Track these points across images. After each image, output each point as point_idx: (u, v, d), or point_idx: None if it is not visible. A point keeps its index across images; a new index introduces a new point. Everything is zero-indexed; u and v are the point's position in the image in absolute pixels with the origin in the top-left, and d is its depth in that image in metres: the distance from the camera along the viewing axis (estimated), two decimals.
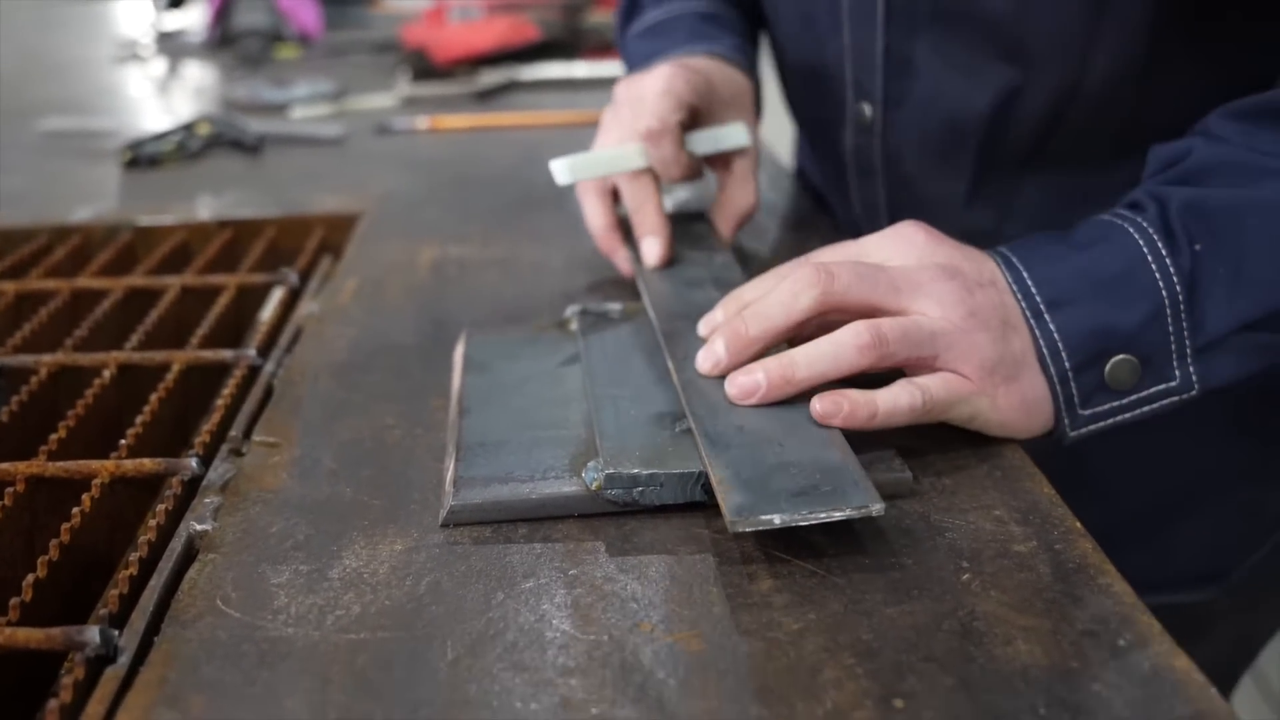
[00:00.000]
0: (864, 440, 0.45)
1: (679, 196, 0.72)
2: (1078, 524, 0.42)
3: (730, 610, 0.37)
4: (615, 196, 0.64)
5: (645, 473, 0.41)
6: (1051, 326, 0.46)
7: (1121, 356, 0.45)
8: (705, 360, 0.46)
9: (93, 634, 0.35)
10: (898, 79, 0.63)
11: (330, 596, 0.37)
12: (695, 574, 0.39)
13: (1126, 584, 0.39)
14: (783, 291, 0.45)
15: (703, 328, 0.49)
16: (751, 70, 0.71)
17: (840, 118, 0.68)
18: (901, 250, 0.48)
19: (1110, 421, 0.46)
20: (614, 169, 0.61)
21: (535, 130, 1.03)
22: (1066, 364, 0.45)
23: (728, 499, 0.38)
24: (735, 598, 0.37)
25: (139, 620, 0.36)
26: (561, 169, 0.61)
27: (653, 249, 0.59)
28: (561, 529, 0.41)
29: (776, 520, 0.37)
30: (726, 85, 0.66)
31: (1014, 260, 0.47)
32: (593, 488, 0.41)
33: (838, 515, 0.38)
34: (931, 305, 0.45)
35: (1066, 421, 0.46)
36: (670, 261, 0.58)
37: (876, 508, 0.38)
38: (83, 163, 0.95)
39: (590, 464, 0.42)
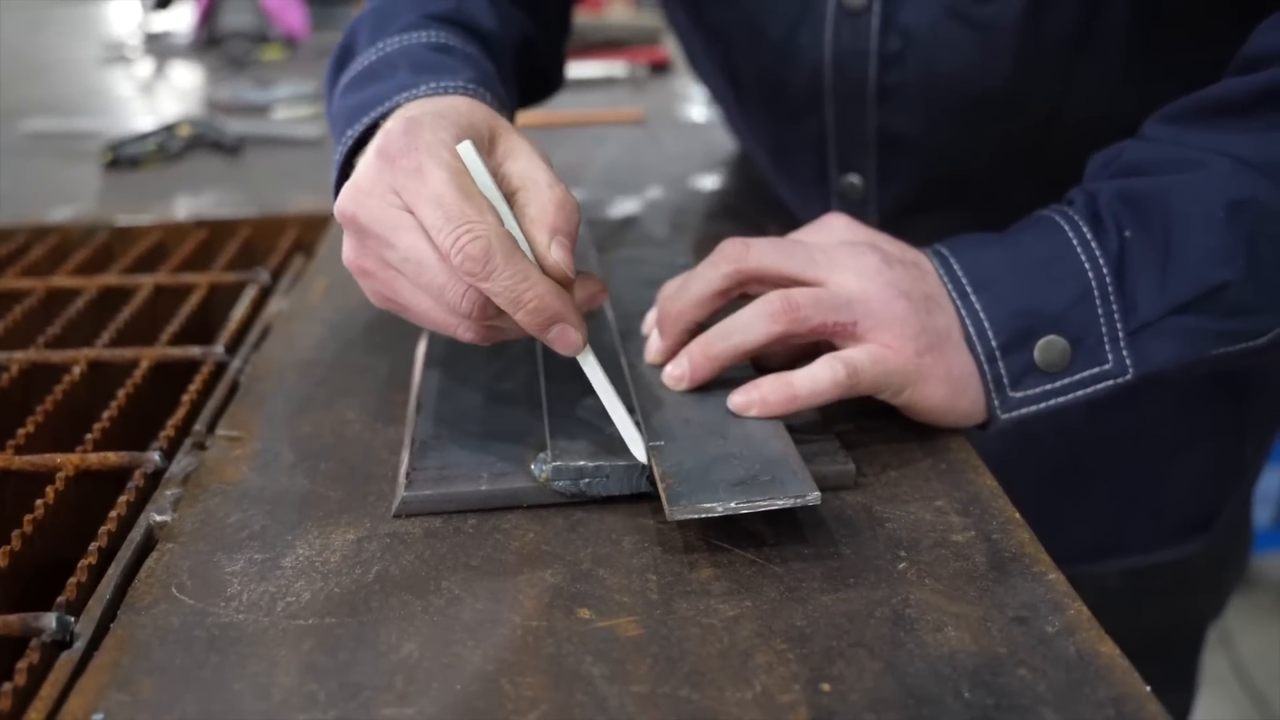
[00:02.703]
0: (810, 430, 0.46)
1: (628, 207, 0.73)
2: (1016, 515, 0.43)
3: (668, 598, 0.38)
4: None
5: (591, 464, 0.42)
6: (977, 305, 0.46)
7: (1051, 337, 0.46)
8: (648, 351, 0.48)
9: (49, 620, 0.36)
10: (892, 152, 0.63)
11: (282, 584, 0.39)
12: (637, 563, 0.40)
13: (1060, 572, 0.40)
14: (702, 266, 0.47)
15: (644, 327, 0.51)
16: (498, 96, 0.51)
17: (822, 190, 0.68)
18: (823, 235, 0.50)
19: (1044, 405, 0.46)
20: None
21: None
22: (993, 341, 0.46)
23: (669, 489, 0.39)
24: (674, 585, 0.39)
25: (95, 607, 0.37)
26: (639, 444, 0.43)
27: (564, 339, 0.42)
28: (510, 519, 0.42)
29: (717, 509, 0.39)
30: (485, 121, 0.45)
31: (941, 249, 0.49)
32: (541, 479, 0.42)
33: (776, 504, 0.39)
34: (849, 276, 0.46)
35: (997, 403, 0.46)
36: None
37: (813, 496, 0.39)
38: (64, 163, 0.96)
39: (539, 456, 0.43)
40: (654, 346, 0.48)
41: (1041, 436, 0.66)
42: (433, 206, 0.40)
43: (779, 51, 0.63)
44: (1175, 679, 0.78)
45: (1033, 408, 0.47)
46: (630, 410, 0.45)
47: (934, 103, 0.60)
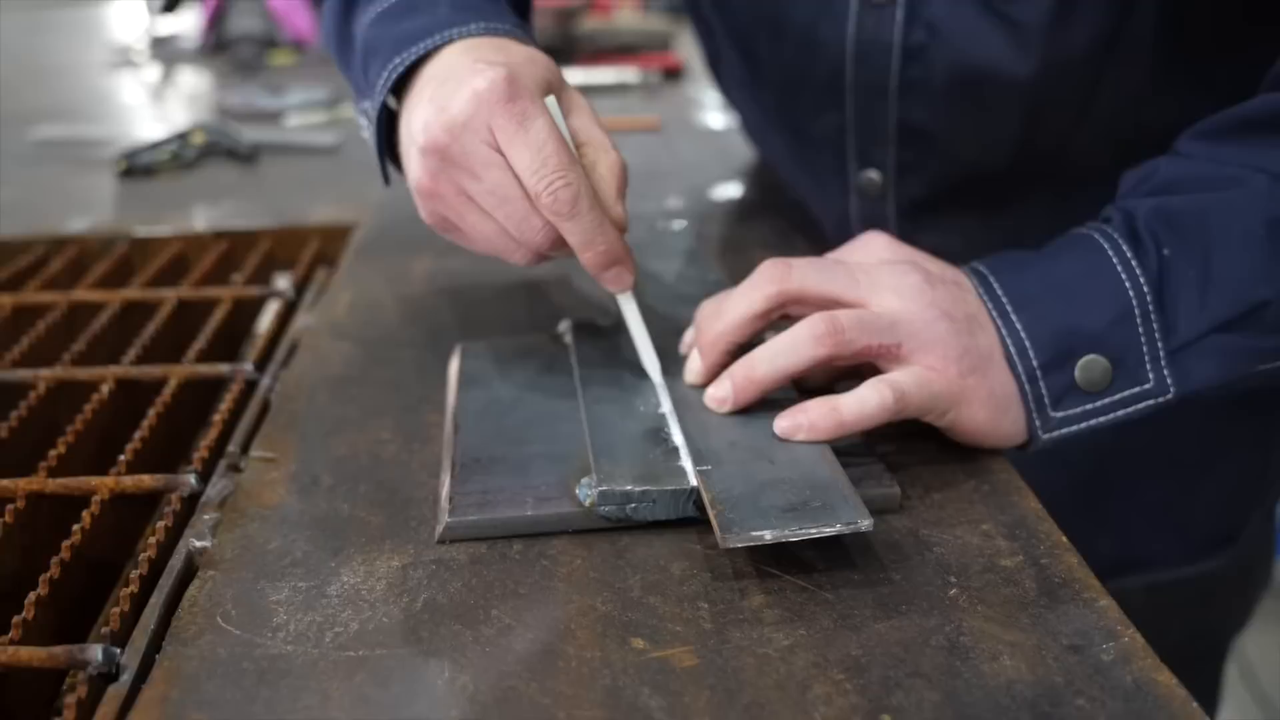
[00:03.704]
0: (854, 452, 0.45)
1: (664, 221, 0.73)
2: (1063, 538, 0.43)
3: (721, 626, 0.37)
4: None
5: (638, 489, 0.41)
6: (1018, 324, 0.46)
7: (1091, 356, 0.45)
8: (688, 372, 0.48)
9: (95, 652, 0.36)
10: (912, 147, 0.63)
11: (329, 613, 0.38)
12: (687, 590, 0.39)
13: (1110, 598, 0.39)
14: (743, 287, 0.47)
15: (682, 347, 0.50)
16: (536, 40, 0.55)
17: (842, 186, 0.67)
18: (862, 254, 0.49)
19: (1084, 425, 0.46)
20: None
21: None
22: (1034, 361, 0.46)
23: (719, 516, 0.39)
24: (726, 614, 0.38)
25: (140, 638, 0.37)
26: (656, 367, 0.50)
27: (620, 279, 0.48)
28: (556, 545, 0.42)
29: (767, 536, 0.38)
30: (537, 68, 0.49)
31: (980, 268, 0.48)
32: (586, 504, 0.42)
33: (828, 531, 0.39)
34: (891, 297, 0.45)
35: (1038, 423, 0.46)
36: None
37: (865, 524, 0.39)
38: (77, 172, 0.95)
39: (584, 481, 0.43)
40: (694, 367, 0.48)
41: (1066, 449, 0.65)
42: (533, 152, 0.44)
43: (801, 43, 0.63)
44: (1199, 692, 0.78)
45: (1073, 428, 0.46)
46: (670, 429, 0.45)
47: (956, 99, 0.59)
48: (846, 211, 0.68)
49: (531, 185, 0.44)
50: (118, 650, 0.36)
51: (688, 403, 0.46)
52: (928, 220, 0.66)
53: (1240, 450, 0.70)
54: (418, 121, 0.46)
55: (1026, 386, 0.46)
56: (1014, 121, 0.60)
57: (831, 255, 0.50)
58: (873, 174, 0.65)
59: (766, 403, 0.46)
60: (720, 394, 0.45)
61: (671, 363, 0.49)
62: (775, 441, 0.44)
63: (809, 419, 0.44)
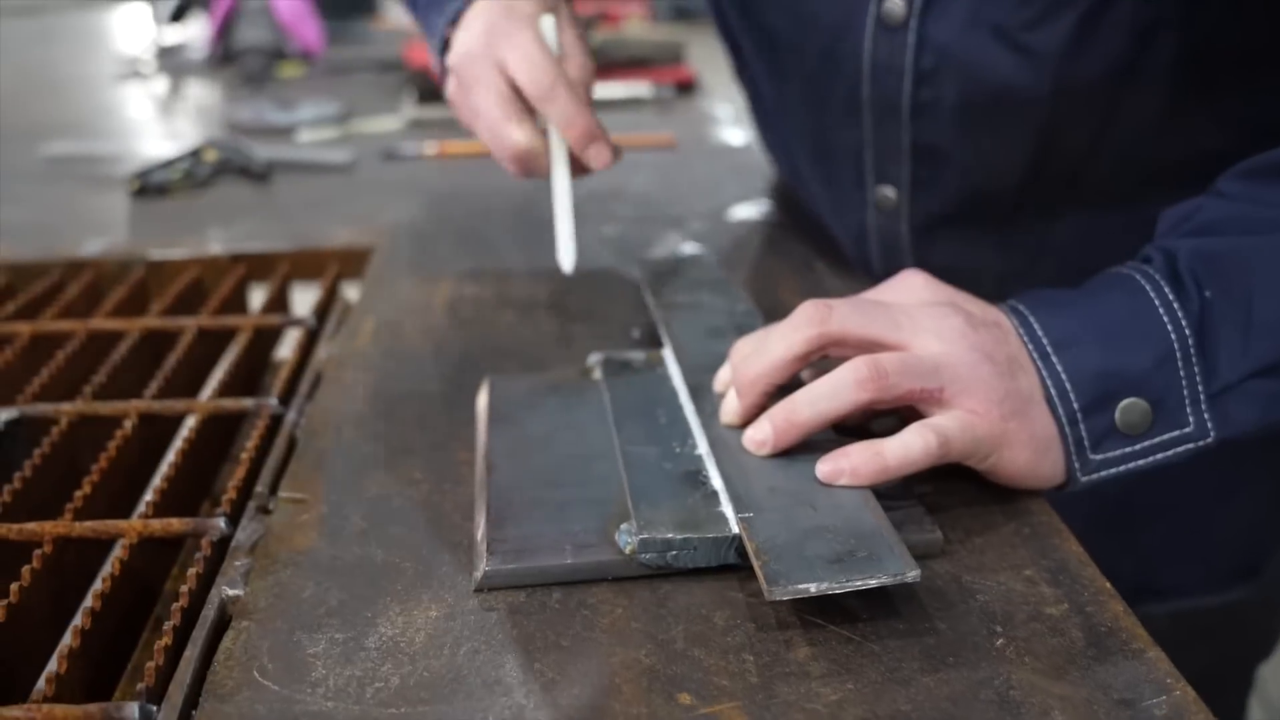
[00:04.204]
0: (893, 495, 0.45)
1: (689, 246, 0.72)
2: (1107, 584, 0.42)
3: (768, 680, 0.37)
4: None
5: (679, 537, 0.41)
6: (1059, 366, 0.46)
7: (1132, 400, 0.45)
8: (725, 412, 0.47)
9: (132, 710, 0.35)
10: (925, 166, 0.63)
11: (368, 667, 0.37)
12: (731, 641, 0.39)
13: (1159, 649, 0.39)
14: (782, 328, 0.46)
15: (717, 385, 0.50)
16: None
17: (860, 199, 0.67)
18: (902, 295, 0.48)
19: (1123, 468, 0.46)
20: (570, 198, 0.62)
21: None
22: (1075, 404, 0.45)
23: (765, 567, 0.38)
24: (772, 666, 0.37)
25: (176, 694, 0.36)
26: (567, 259, 0.62)
27: (600, 154, 0.60)
28: (596, 593, 0.41)
29: (813, 589, 0.38)
30: None
31: (1020, 307, 0.48)
32: (626, 552, 0.41)
33: (874, 583, 0.38)
34: (932, 340, 0.45)
35: (1077, 465, 0.46)
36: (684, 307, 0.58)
37: (912, 575, 0.38)
38: (89, 191, 0.94)
39: (623, 527, 0.42)
40: (731, 408, 0.47)
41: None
42: (520, 55, 0.58)
43: (822, 59, 0.63)
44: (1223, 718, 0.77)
45: (1112, 470, 0.46)
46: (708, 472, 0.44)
47: (968, 121, 0.59)
48: (864, 227, 0.68)
49: (520, 79, 0.58)
50: (154, 708, 0.36)
51: (725, 444, 0.46)
52: (943, 236, 0.66)
53: (1263, 483, 0.69)
54: (451, 52, 0.62)
55: (1067, 430, 0.45)
56: (1027, 144, 0.59)
57: (869, 294, 0.49)
58: (888, 190, 0.65)
59: (805, 444, 0.45)
60: (760, 437, 0.45)
61: (704, 402, 0.49)
62: (816, 486, 0.43)
63: (851, 464, 0.43)
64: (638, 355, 0.55)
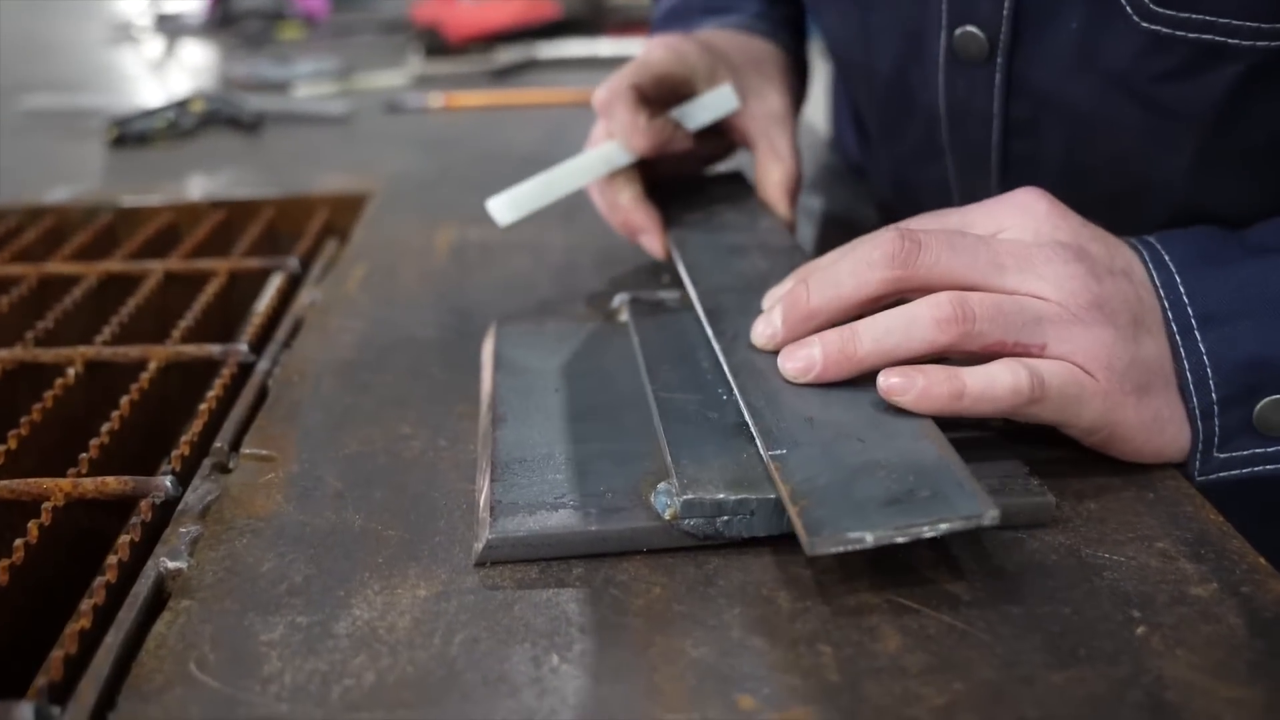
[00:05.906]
0: (979, 444, 0.36)
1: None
2: (1262, 560, 0.34)
3: (852, 679, 0.28)
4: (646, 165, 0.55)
5: (733, 498, 0.32)
6: (1202, 346, 0.37)
7: (1275, 398, 0.37)
8: (759, 331, 0.38)
9: (25, 712, 0.27)
10: None
11: (336, 660, 0.29)
12: (801, 629, 0.30)
13: None
14: (857, 257, 0.37)
15: (767, 300, 0.41)
16: (776, 36, 0.62)
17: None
18: (1017, 222, 0.39)
19: (1247, 470, 0.38)
20: (572, 185, 0.51)
21: (558, 108, 0.95)
22: (1214, 395, 0.37)
23: (804, 513, 0.30)
24: (856, 661, 0.29)
25: (89, 691, 0.28)
26: (502, 207, 0.50)
27: (649, 245, 0.52)
28: (627, 569, 0.33)
29: (869, 538, 0.29)
30: (739, 51, 0.57)
31: (1164, 256, 0.39)
32: (666, 517, 0.33)
33: (943, 528, 0.30)
34: (1046, 287, 0.36)
35: (1198, 463, 0.38)
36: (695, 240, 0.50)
37: (991, 515, 0.30)
38: (65, 141, 0.87)
39: (661, 486, 0.34)
40: (765, 331, 0.38)
41: None
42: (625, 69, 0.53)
43: (891, 90, 0.54)
44: None
45: (1234, 472, 0.38)
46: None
47: (1076, 186, 0.47)
48: None
49: (599, 92, 0.52)
50: (56, 710, 0.27)
51: (751, 368, 0.37)
52: None
53: None
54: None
55: (1199, 423, 0.38)
56: (1154, 222, 0.47)
57: (977, 211, 0.40)
58: None
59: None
60: (803, 364, 0.36)
61: (725, 325, 0.40)
62: (864, 414, 0.34)
63: (925, 381, 0.34)
64: (670, 294, 0.47)
